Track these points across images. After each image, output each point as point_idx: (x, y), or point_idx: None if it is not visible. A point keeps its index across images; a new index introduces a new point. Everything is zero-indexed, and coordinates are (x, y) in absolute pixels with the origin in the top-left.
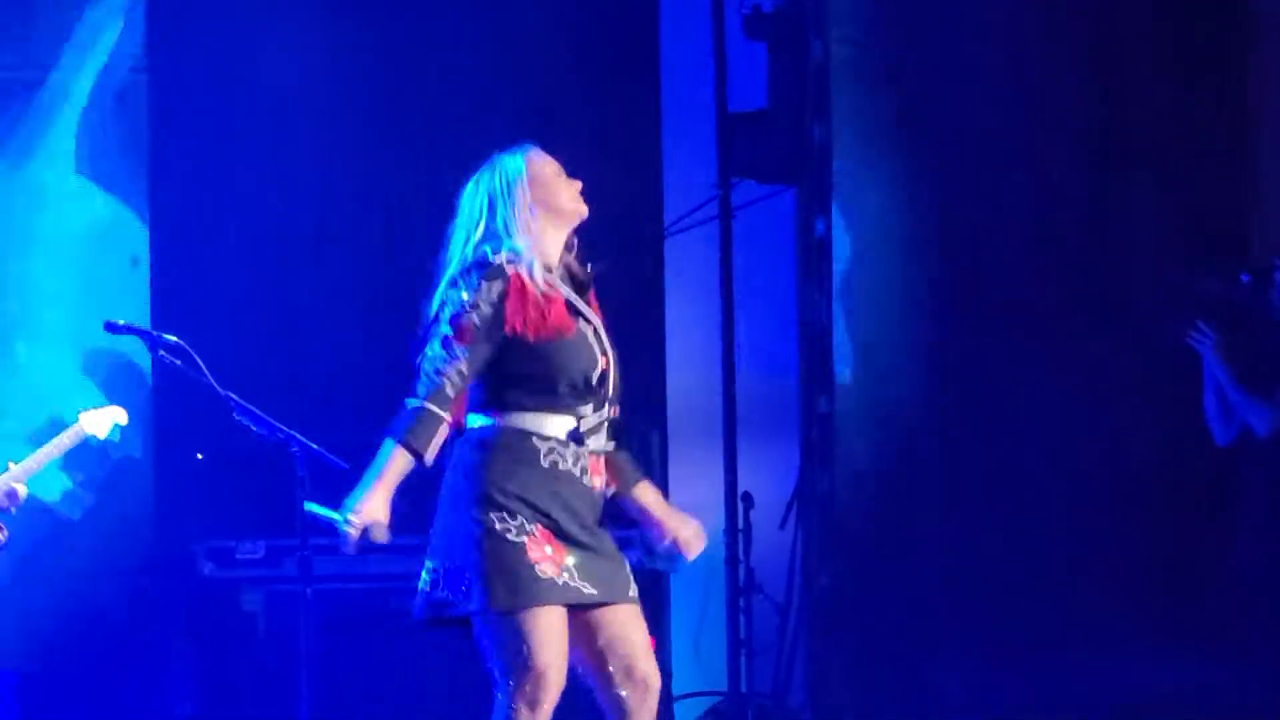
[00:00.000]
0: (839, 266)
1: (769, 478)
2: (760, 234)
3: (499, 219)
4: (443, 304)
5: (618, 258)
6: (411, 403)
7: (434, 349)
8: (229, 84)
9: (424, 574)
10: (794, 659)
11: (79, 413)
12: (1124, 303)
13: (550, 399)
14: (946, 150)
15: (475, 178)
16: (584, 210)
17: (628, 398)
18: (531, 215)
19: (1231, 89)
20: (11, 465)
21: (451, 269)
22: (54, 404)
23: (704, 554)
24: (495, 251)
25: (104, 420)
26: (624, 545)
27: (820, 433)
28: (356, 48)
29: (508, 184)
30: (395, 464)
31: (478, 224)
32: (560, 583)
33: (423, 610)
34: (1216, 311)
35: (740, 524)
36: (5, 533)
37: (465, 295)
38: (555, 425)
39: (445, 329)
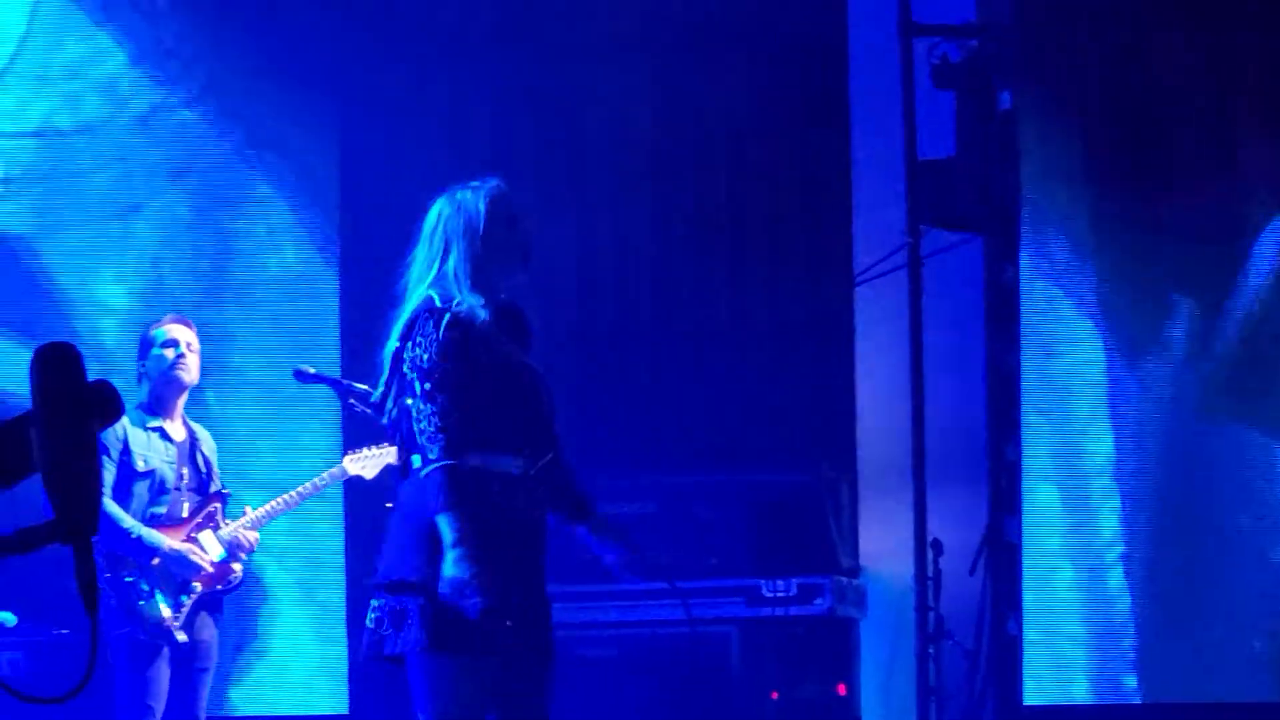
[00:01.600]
0: (1027, 313)
1: (958, 524)
2: (949, 281)
3: (451, 263)
4: (411, 361)
5: (809, 306)
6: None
7: (419, 405)
8: (418, 129)
9: (386, 608)
10: (983, 706)
11: (343, 456)
12: None
13: (500, 440)
14: (1132, 194)
15: (439, 209)
16: (528, 258)
17: (819, 446)
18: (486, 260)
19: None
20: (248, 510)
21: (407, 314)
22: (241, 452)
23: (894, 600)
24: (445, 297)
25: (373, 462)
26: None
27: (1008, 479)
28: (548, 96)
29: (464, 226)
30: None
31: (433, 263)
32: None
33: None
34: None
35: (930, 570)
36: (239, 571)
37: (425, 348)
38: (507, 465)
39: (423, 384)
